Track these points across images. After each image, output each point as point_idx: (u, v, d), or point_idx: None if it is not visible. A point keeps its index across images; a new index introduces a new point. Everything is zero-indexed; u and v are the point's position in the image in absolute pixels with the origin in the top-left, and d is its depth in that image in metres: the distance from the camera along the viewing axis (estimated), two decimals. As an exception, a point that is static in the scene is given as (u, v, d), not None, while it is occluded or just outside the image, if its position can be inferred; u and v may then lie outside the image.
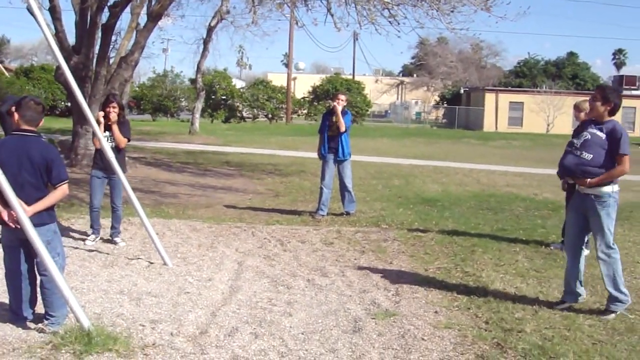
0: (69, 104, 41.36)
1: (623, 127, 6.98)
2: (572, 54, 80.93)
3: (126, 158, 9.77)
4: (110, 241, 9.42)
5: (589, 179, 6.70)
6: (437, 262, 8.83)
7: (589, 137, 6.84)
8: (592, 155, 6.73)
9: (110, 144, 9.03)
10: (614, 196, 6.78)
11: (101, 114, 9.21)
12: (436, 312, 6.71)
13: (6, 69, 63.30)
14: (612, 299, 6.82)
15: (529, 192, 16.43)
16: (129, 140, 9.46)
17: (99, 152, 9.06)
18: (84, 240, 9.45)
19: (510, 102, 58.95)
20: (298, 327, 6.16)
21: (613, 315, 6.73)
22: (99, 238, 9.48)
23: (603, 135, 6.77)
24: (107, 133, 9.15)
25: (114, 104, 9.28)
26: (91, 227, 9.55)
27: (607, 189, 6.73)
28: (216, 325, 6.09)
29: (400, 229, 10.97)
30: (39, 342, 5.48)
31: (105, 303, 6.64)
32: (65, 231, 9.98)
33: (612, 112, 6.92)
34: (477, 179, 19.16)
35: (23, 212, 5.45)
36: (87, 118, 8.36)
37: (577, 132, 9.48)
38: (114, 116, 9.19)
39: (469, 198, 14.92)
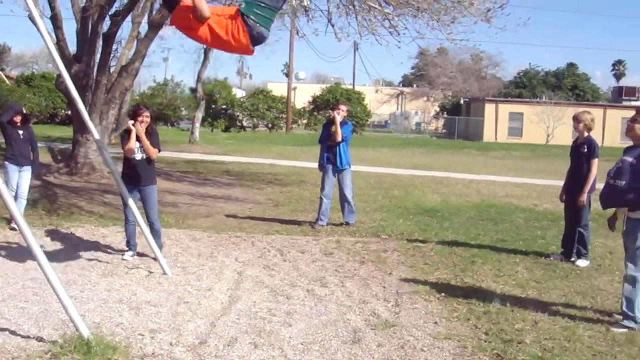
0: (69, 112, 41.37)
1: None
2: (571, 65, 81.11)
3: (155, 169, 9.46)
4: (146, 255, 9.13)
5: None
6: (437, 272, 8.82)
7: (621, 164, 6.84)
8: (624, 182, 6.72)
9: (141, 155, 8.88)
10: None
11: (131, 122, 8.88)
12: (436, 322, 6.70)
13: (7, 76, 63.35)
14: (628, 318, 6.77)
15: (528, 202, 16.43)
16: (159, 151, 9.12)
17: (128, 164, 8.90)
18: (86, 248, 9.45)
19: (510, 112, 59.01)
20: (297, 337, 6.15)
21: (623, 330, 6.66)
22: (135, 254, 9.15)
23: (634, 160, 6.77)
24: (138, 144, 8.84)
25: (147, 114, 8.90)
26: (127, 243, 9.20)
27: None
28: (215, 335, 6.09)
29: (400, 240, 10.97)
30: (38, 351, 5.47)
31: (104, 312, 6.63)
32: (65, 240, 9.99)
33: None
34: (477, 189, 19.15)
35: None
36: (87, 127, 8.36)
37: (574, 145, 9.56)
38: (140, 129, 8.78)
39: (469, 208, 14.92)
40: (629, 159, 6.81)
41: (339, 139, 11.70)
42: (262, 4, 5.64)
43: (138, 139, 8.84)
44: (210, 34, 5.63)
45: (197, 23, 5.57)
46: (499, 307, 7.16)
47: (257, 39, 5.74)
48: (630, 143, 7.10)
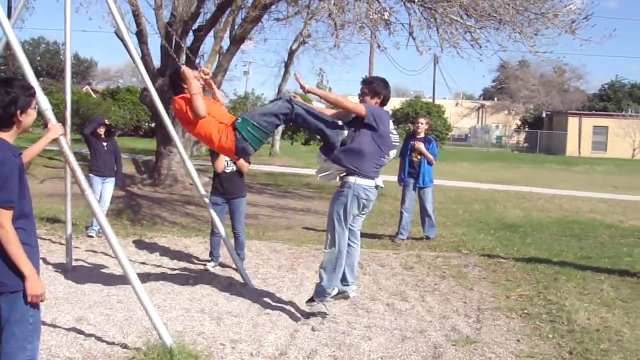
0: (152, 125, 42.28)
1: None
2: (659, 78, 78.70)
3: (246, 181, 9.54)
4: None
5: None
6: (519, 289, 8.66)
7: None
8: None
9: (231, 168, 8.98)
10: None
11: None
12: (518, 340, 6.57)
13: (93, 90, 65.23)
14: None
15: (613, 219, 16.01)
16: (249, 164, 9.22)
17: (219, 178, 9.01)
18: (169, 258, 9.62)
19: (594, 126, 57.59)
20: (377, 351, 6.12)
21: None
22: (217, 265, 9.31)
23: None
24: (227, 158, 8.86)
25: None
26: (210, 254, 9.36)
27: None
28: (295, 347, 6.10)
29: (481, 255, 10.83)
30: (122, 357, 5.59)
31: (186, 321, 6.73)
32: (148, 249, 10.19)
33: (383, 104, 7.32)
34: (560, 204, 18.77)
35: None
36: (171, 139, 8.52)
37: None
38: None
39: (552, 224, 14.63)
40: None
41: (434, 162, 11.94)
42: (257, 125, 6.23)
43: None
44: (204, 131, 6.36)
45: (194, 119, 6.31)
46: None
47: (240, 152, 6.40)
48: None
